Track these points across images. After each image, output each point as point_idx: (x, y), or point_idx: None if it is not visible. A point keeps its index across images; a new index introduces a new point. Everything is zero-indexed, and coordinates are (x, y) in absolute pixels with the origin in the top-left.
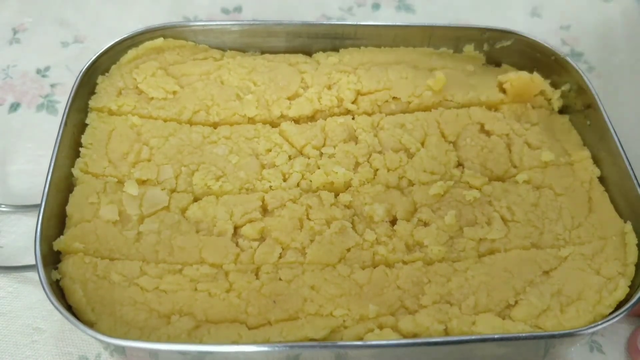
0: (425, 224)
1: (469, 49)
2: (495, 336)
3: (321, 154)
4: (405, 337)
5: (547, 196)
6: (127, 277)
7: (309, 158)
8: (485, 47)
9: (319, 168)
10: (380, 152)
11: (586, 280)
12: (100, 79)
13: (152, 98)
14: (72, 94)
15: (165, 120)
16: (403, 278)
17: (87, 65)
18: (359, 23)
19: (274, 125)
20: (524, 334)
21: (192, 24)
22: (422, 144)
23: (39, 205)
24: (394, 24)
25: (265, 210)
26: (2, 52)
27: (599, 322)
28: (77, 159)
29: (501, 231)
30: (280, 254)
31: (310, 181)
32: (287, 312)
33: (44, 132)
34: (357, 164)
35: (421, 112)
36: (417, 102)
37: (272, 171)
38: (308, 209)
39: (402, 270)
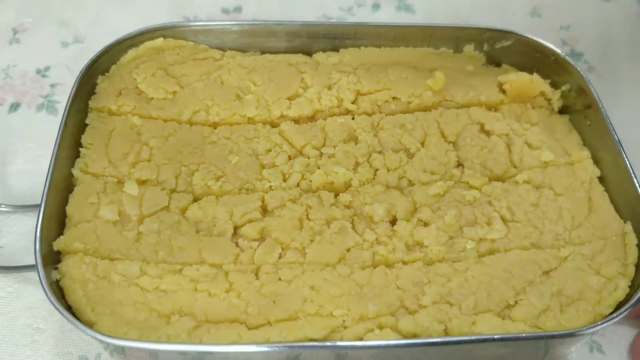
0: (425, 224)
1: (469, 49)
2: (495, 336)
3: (321, 154)
4: (405, 337)
5: (547, 196)
6: (127, 277)
7: (308, 158)
8: (485, 47)
9: (318, 168)
10: (380, 152)
11: (586, 281)
12: (100, 79)
13: (152, 98)
14: (72, 94)
15: (165, 120)
16: (403, 278)
17: (87, 65)
18: (359, 23)
19: (273, 125)
20: (524, 334)
21: (192, 24)
22: (422, 144)
23: (39, 205)
24: (394, 24)
25: (265, 210)
26: (2, 52)
27: (599, 322)
28: (77, 159)
29: (501, 231)
30: (280, 254)
31: (310, 181)
32: (287, 312)
33: (44, 132)
34: (357, 164)
35: (421, 112)
36: (417, 102)
37: (272, 171)
38: (308, 209)
39: (402, 270)
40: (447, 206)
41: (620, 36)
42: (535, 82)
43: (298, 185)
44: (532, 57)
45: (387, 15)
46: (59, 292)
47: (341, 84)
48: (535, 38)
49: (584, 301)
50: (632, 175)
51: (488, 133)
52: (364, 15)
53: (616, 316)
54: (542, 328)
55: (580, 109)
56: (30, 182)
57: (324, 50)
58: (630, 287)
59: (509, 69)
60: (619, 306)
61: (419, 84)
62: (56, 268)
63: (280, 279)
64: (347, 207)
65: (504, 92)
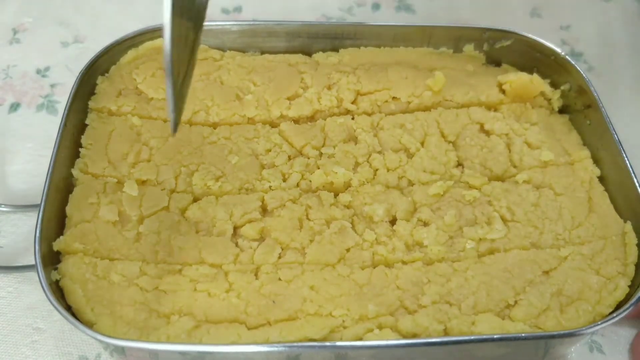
0: (425, 224)
1: (469, 49)
2: (495, 336)
3: (321, 154)
4: (404, 337)
5: (547, 196)
6: (127, 277)
7: (308, 158)
8: (485, 47)
9: (318, 168)
10: (380, 152)
11: (586, 280)
12: (100, 79)
13: (151, 98)
14: (71, 94)
15: (165, 121)
16: (403, 278)
17: (87, 65)
18: (358, 23)
19: (273, 125)
20: (523, 334)
21: None
22: (422, 144)
23: (39, 205)
24: (393, 24)
25: (264, 211)
26: (2, 52)
27: (599, 322)
28: (77, 160)
29: (501, 231)
30: (280, 254)
31: (310, 181)
32: (287, 312)
33: (44, 132)
34: (357, 164)
35: (421, 112)
36: (417, 102)
37: (271, 171)
38: (308, 209)
39: (401, 270)
40: (447, 206)
41: (620, 36)
42: (535, 82)
43: (298, 185)
44: (532, 57)
45: (387, 15)
46: (59, 292)
47: (341, 84)
48: (535, 38)
49: (583, 301)
50: (632, 175)
51: (488, 133)
52: (364, 16)
53: (616, 316)
54: (542, 328)
55: (580, 109)
56: (30, 182)
57: (324, 51)
58: (630, 286)
59: (509, 68)
60: (618, 306)
61: (419, 84)
62: (56, 268)
63: (279, 279)
64: (347, 207)
65: (503, 92)
